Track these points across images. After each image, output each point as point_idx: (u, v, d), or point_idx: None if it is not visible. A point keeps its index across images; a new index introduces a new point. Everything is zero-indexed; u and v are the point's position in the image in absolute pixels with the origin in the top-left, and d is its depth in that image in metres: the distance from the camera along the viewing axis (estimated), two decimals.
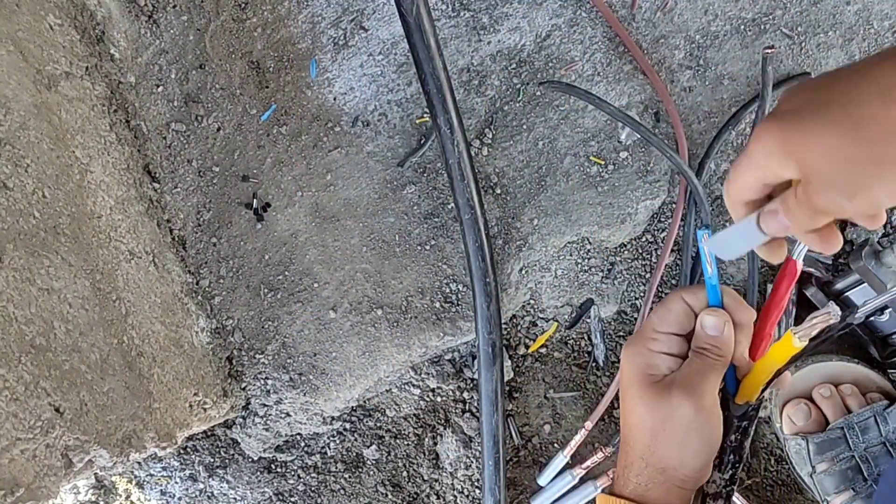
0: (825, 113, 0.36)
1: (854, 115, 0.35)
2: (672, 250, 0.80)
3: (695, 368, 0.49)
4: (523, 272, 0.81)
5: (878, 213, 0.39)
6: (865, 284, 0.70)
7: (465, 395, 0.85)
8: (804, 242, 0.44)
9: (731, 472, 0.55)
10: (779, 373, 0.51)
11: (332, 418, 0.89)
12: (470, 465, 0.86)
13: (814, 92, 0.37)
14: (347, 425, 0.90)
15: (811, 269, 0.75)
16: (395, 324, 0.83)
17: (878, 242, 0.73)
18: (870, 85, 0.34)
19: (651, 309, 0.79)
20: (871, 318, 0.73)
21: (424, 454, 0.88)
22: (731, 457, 0.55)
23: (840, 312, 0.43)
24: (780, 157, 0.38)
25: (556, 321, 0.83)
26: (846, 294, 0.73)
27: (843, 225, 0.75)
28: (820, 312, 0.43)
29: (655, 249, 0.80)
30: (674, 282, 0.80)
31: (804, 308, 0.78)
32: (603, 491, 0.75)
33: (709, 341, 0.49)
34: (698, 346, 0.50)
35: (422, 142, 0.81)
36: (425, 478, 0.89)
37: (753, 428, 0.56)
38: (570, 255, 0.81)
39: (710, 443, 0.49)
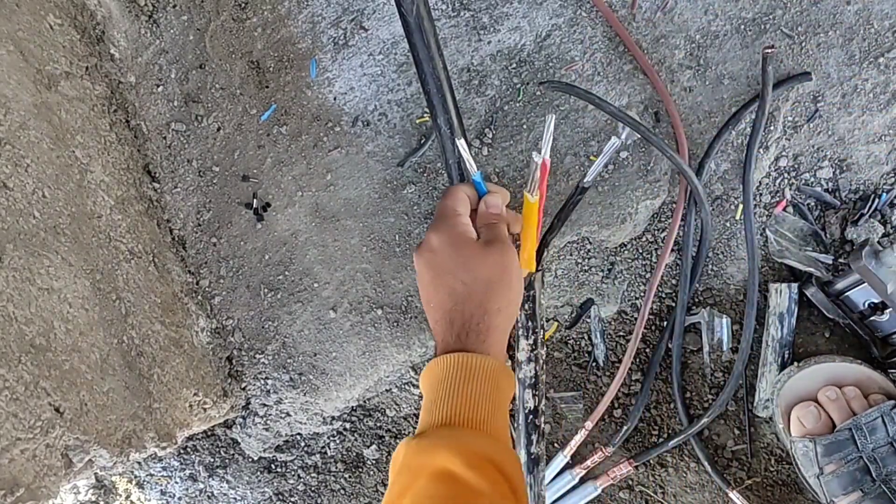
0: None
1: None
2: (672, 250, 0.80)
3: (496, 232, 0.59)
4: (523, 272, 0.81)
5: None
6: (866, 284, 0.70)
7: None
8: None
9: (534, 336, 0.68)
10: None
11: (332, 418, 0.89)
12: None
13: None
14: (347, 425, 0.90)
15: (811, 269, 0.75)
16: (395, 324, 0.83)
17: (879, 242, 0.73)
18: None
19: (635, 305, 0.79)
20: (872, 318, 0.73)
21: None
22: (530, 323, 0.68)
23: (541, 155, 0.56)
24: None
25: (556, 321, 0.83)
26: (846, 294, 0.73)
27: (844, 224, 0.75)
28: (533, 166, 0.57)
29: (655, 249, 0.80)
30: (674, 281, 0.80)
31: (810, 306, 0.78)
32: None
33: (493, 217, 0.61)
34: (486, 221, 0.61)
35: (422, 142, 0.81)
36: None
37: (539, 293, 0.69)
38: (570, 255, 0.81)
39: (522, 283, 0.60)
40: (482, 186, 0.62)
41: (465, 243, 0.57)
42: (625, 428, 0.81)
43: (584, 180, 0.61)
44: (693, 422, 0.79)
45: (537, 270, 0.65)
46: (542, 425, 0.70)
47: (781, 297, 0.76)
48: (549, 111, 0.78)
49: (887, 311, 0.72)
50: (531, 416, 0.68)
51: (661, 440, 0.82)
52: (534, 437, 0.69)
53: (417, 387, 0.87)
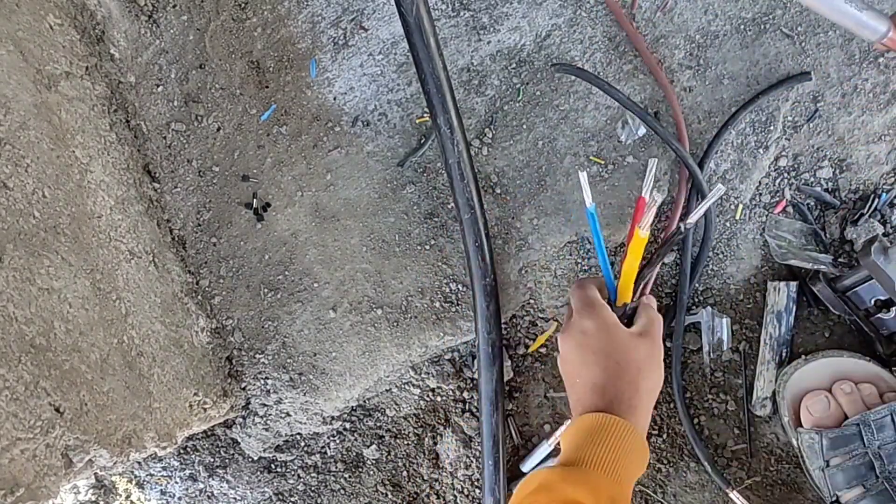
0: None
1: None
2: (672, 250, 0.79)
3: (651, 317, 0.67)
4: (523, 272, 0.81)
5: None
6: (873, 280, 0.70)
7: (465, 394, 0.85)
8: None
9: None
10: (642, 269, 0.65)
11: (332, 418, 0.89)
12: (470, 465, 0.86)
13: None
14: (347, 425, 0.90)
15: (818, 267, 0.75)
16: (395, 324, 0.83)
17: (888, 238, 0.73)
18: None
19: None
20: (878, 315, 0.73)
21: (424, 454, 0.88)
22: None
23: (660, 196, 0.57)
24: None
25: (556, 321, 0.83)
26: (854, 290, 0.73)
27: (843, 224, 0.76)
28: (647, 203, 0.57)
29: (656, 249, 0.80)
30: (674, 281, 0.80)
31: (810, 305, 0.78)
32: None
33: (650, 302, 0.71)
34: (644, 309, 0.68)
35: (422, 142, 0.81)
36: (425, 478, 0.89)
37: None
38: (570, 254, 0.81)
39: (663, 372, 0.66)
40: (611, 280, 0.66)
41: (618, 329, 0.63)
42: None
43: (687, 222, 0.60)
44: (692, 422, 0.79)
45: (632, 300, 0.67)
46: None
47: (779, 295, 0.76)
48: (549, 116, 0.78)
49: (893, 308, 0.72)
50: None
51: (660, 440, 0.82)
52: None
53: (417, 386, 0.87)
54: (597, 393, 0.61)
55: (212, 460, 0.94)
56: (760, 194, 0.78)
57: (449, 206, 0.81)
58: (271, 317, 0.86)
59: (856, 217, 0.75)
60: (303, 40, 0.82)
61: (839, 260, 0.76)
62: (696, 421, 0.81)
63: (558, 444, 0.83)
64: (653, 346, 0.64)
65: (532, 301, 0.83)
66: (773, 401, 0.78)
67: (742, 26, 0.75)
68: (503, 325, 0.82)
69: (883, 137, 0.75)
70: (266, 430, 0.90)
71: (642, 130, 0.77)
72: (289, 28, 0.82)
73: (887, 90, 0.74)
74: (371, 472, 0.90)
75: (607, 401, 0.61)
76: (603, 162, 0.78)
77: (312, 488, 0.92)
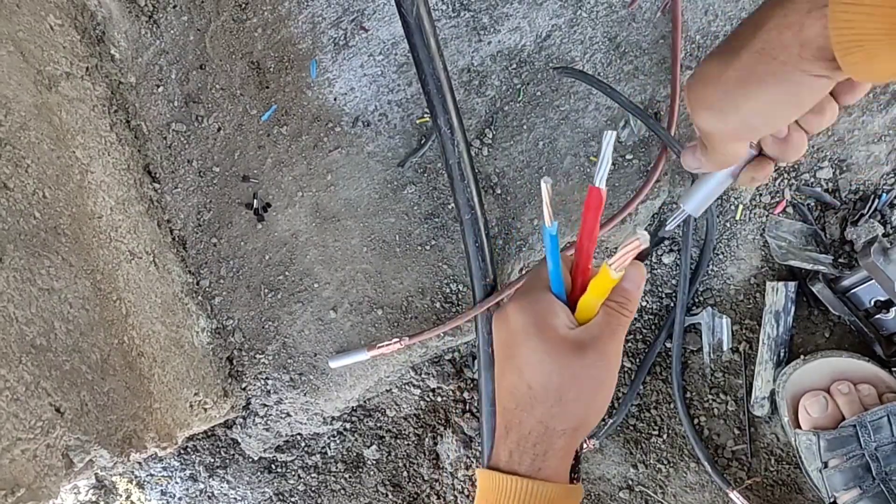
0: (716, 50, 0.40)
1: (731, 44, 0.39)
2: (672, 250, 0.80)
3: (610, 325, 0.46)
4: (523, 272, 0.81)
5: (778, 139, 0.44)
6: (873, 281, 0.71)
7: (466, 395, 0.85)
8: (740, 182, 0.48)
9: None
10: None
11: (333, 418, 0.89)
12: (470, 465, 0.86)
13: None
14: (348, 425, 0.90)
15: (818, 267, 0.75)
16: (395, 324, 0.83)
17: (888, 239, 0.74)
18: (748, 19, 0.38)
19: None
20: (878, 316, 0.73)
21: (425, 454, 0.88)
22: None
23: (648, 237, 0.41)
24: (690, 104, 0.42)
25: None
26: (854, 290, 0.73)
27: (843, 225, 0.76)
28: (629, 241, 0.41)
29: (656, 250, 0.80)
30: (674, 281, 0.80)
31: (810, 306, 0.78)
32: (480, 466, 0.67)
33: (627, 295, 0.47)
34: (614, 298, 0.47)
35: (422, 142, 0.81)
36: (425, 478, 0.89)
37: None
38: (571, 255, 0.81)
39: (607, 403, 0.47)
40: (556, 245, 0.47)
41: (553, 336, 0.45)
42: (610, 421, 0.81)
43: (661, 232, 0.53)
44: (688, 421, 0.79)
45: None
46: None
47: (778, 295, 0.76)
48: (549, 116, 0.78)
49: (893, 309, 0.72)
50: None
51: (660, 440, 0.82)
52: None
53: (418, 387, 0.87)
54: (502, 426, 0.47)
55: (212, 460, 0.94)
56: (760, 195, 0.78)
57: (449, 207, 0.81)
58: (272, 317, 0.86)
59: (856, 217, 0.75)
60: (303, 41, 0.82)
61: (839, 260, 0.76)
62: (696, 421, 0.81)
63: None
64: (597, 364, 0.45)
65: None
66: (772, 400, 0.78)
67: None
68: None
69: (883, 138, 0.75)
70: (266, 430, 0.90)
71: (643, 131, 0.77)
72: (289, 28, 0.82)
73: (887, 90, 0.74)
74: (371, 473, 0.90)
75: (510, 446, 0.46)
76: None
77: (313, 489, 0.92)
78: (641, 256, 0.52)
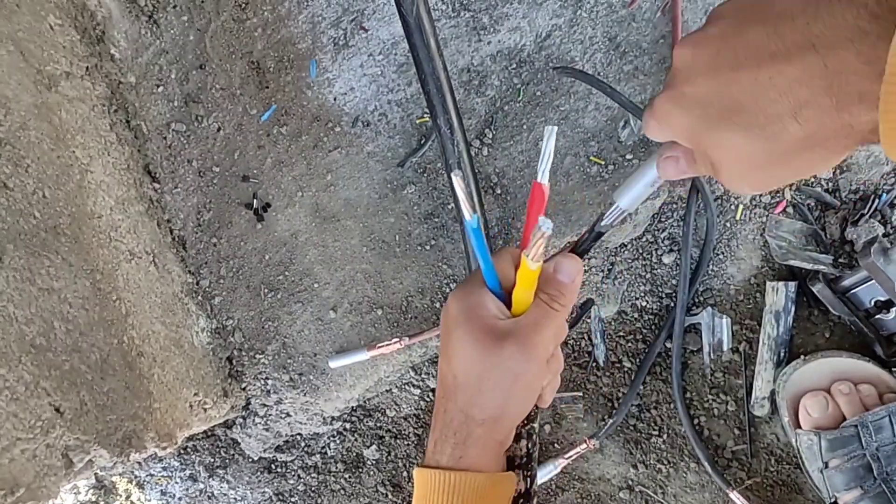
0: (736, 118, 0.35)
1: (767, 128, 0.34)
2: (672, 250, 0.80)
3: (535, 317, 0.46)
4: None
5: None
6: (873, 281, 0.70)
7: None
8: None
9: (526, 440, 0.53)
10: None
11: (333, 418, 0.89)
12: None
13: (715, 79, 0.35)
14: (348, 425, 0.90)
15: (818, 267, 0.75)
16: (395, 324, 0.83)
17: (888, 239, 0.74)
18: (781, 97, 0.33)
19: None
20: (878, 316, 0.73)
21: (424, 454, 0.88)
22: (524, 421, 0.52)
23: (551, 225, 0.40)
24: (693, 150, 0.39)
25: None
26: (853, 290, 0.73)
27: (843, 225, 0.75)
28: (536, 230, 0.41)
29: (656, 250, 0.80)
30: (674, 281, 0.80)
31: (810, 306, 0.78)
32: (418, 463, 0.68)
33: (560, 288, 0.47)
34: (546, 290, 0.47)
35: (422, 142, 0.81)
36: None
37: None
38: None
39: (532, 397, 0.48)
40: (480, 239, 0.46)
41: (472, 323, 0.46)
42: (611, 421, 0.81)
43: (601, 223, 0.51)
44: (690, 420, 0.79)
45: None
46: None
47: (778, 295, 0.76)
48: (549, 116, 0.78)
49: (893, 309, 0.72)
50: (521, 502, 0.52)
51: (660, 440, 0.82)
52: None
53: (418, 387, 0.87)
54: (434, 416, 0.48)
55: (212, 460, 0.94)
56: (760, 195, 0.78)
57: (449, 207, 0.81)
58: (271, 317, 0.86)
59: (856, 217, 0.75)
60: (303, 41, 0.82)
61: (839, 260, 0.76)
62: (696, 421, 0.81)
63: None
64: (517, 354, 0.45)
65: None
66: (772, 400, 0.78)
67: None
68: None
69: None
70: (266, 430, 0.90)
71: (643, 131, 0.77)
72: (289, 28, 0.82)
73: None
74: (371, 473, 0.90)
75: (436, 436, 0.47)
76: (603, 162, 0.78)
77: (312, 489, 0.92)
78: (582, 251, 0.52)
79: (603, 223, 0.51)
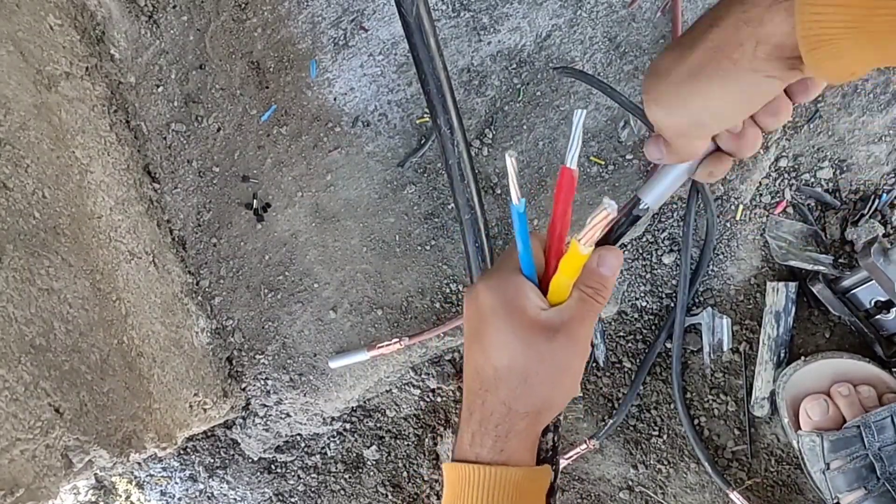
0: (673, 42, 0.40)
1: (687, 38, 0.39)
2: (672, 250, 0.80)
3: (582, 311, 0.45)
4: None
5: (733, 134, 0.43)
6: (873, 282, 0.70)
7: None
8: (698, 177, 0.47)
9: (552, 433, 0.52)
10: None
11: (333, 419, 0.89)
12: None
13: (674, 49, 0.41)
14: (347, 426, 0.90)
15: (818, 268, 0.75)
16: (395, 324, 0.83)
17: (888, 239, 0.73)
18: (708, 13, 0.38)
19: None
20: (878, 317, 0.73)
21: (425, 454, 0.88)
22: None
23: (616, 206, 0.40)
24: (643, 96, 0.42)
25: None
26: (853, 291, 0.73)
27: (843, 225, 0.75)
28: (597, 212, 0.40)
29: (656, 250, 0.80)
30: (674, 282, 0.80)
31: (810, 306, 0.78)
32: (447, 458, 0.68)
33: (604, 281, 0.46)
34: (589, 283, 0.46)
35: (422, 142, 0.81)
36: (425, 478, 0.89)
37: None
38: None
39: (575, 390, 0.47)
40: (524, 225, 0.46)
41: (522, 317, 0.44)
42: (611, 421, 0.81)
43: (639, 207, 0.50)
44: (692, 422, 0.79)
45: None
46: None
47: (778, 295, 0.76)
48: (549, 116, 0.78)
49: (893, 309, 0.72)
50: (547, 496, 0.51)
51: (660, 440, 0.82)
52: None
53: (418, 387, 0.87)
54: (467, 408, 0.47)
55: (212, 461, 0.94)
56: (761, 195, 0.78)
57: (449, 207, 0.81)
58: (271, 317, 0.86)
59: (856, 218, 0.74)
60: (303, 41, 0.82)
61: (839, 261, 0.76)
62: (696, 422, 0.81)
63: None
64: (566, 348, 0.44)
65: None
66: (772, 401, 0.78)
67: None
68: None
69: (883, 138, 0.75)
70: (266, 430, 0.90)
71: (643, 130, 0.77)
72: (289, 28, 0.82)
73: (887, 90, 0.74)
74: (371, 473, 0.90)
75: (473, 428, 0.46)
76: (603, 162, 0.78)
77: (312, 489, 0.92)
78: (615, 238, 0.51)
79: (640, 207, 0.50)
